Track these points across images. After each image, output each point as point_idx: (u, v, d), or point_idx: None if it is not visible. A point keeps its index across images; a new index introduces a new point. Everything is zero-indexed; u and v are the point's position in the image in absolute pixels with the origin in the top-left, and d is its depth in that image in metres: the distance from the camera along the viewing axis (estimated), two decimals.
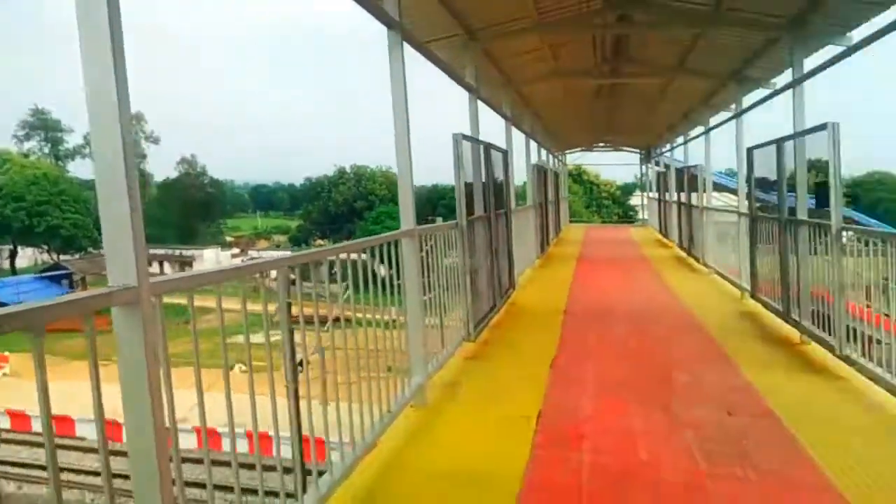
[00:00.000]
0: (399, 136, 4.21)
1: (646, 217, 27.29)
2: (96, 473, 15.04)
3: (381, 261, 4.08)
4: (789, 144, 6.18)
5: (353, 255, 3.87)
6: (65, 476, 15.06)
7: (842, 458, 3.39)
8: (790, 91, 6.73)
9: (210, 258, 46.27)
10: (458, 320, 5.54)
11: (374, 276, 4.04)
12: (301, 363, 6.28)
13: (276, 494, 2.71)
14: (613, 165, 49.35)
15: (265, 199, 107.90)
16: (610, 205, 51.58)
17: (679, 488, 3.08)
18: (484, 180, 6.72)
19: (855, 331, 5.24)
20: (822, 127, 5.25)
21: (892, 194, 47.96)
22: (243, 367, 3.70)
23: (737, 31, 7.72)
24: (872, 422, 3.95)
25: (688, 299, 8.50)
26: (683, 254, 14.02)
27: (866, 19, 5.86)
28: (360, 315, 3.74)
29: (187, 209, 62.32)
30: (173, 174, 66.12)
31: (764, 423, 3.92)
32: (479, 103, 7.59)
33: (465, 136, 5.82)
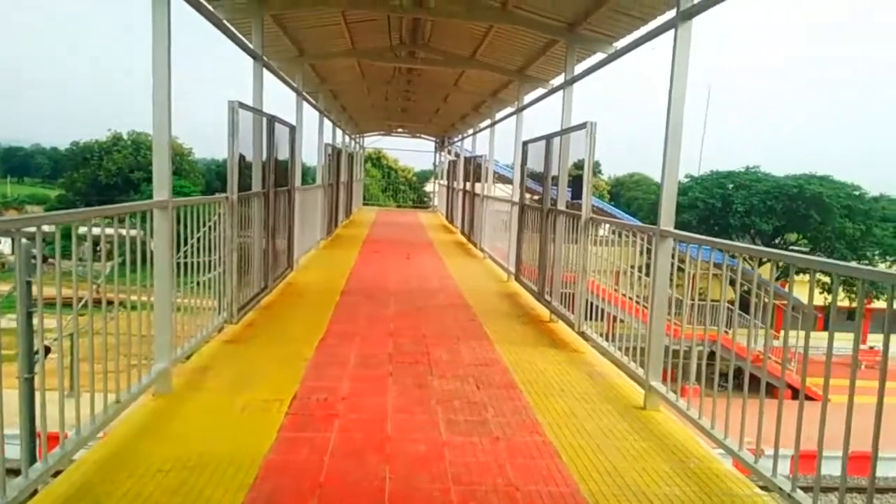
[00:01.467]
0: (158, 91, 3.74)
1: (436, 203, 28.37)
2: None
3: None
4: (556, 140, 6.73)
5: (133, 232, 3.45)
6: None
7: (564, 422, 3.79)
8: (562, 92, 7.34)
9: None
10: (222, 301, 5.23)
11: (151, 254, 3.68)
12: (42, 351, 5.44)
13: None
14: (412, 152, 50.68)
15: (20, 162, 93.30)
16: (406, 190, 52.80)
17: (418, 457, 3.20)
18: (265, 154, 6.41)
19: (596, 308, 5.88)
20: (583, 125, 5.77)
21: (646, 194, 54.96)
22: None
23: (522, 30, 8.21)
24: (594, 390, 4.47)
25: (460, 281, 8.96)
26: (464, 239, 14.79)
27: (629, 32, 6.53)
28: (122, 296, 3.34)
29: None
30: None
31: (506, 394, 4.24)
32: (266, 73, 7.21)
33: (242, 105, 5.48)
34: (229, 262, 5.20)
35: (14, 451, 6.29)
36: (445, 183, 22.44)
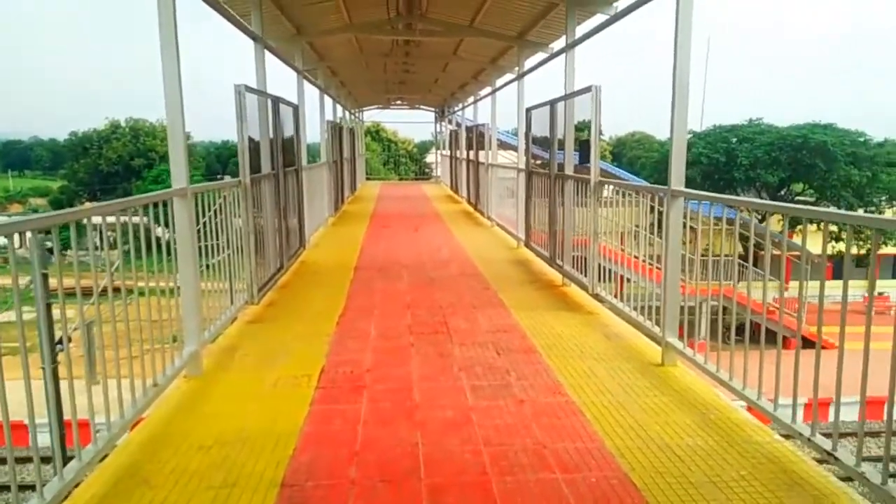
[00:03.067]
0: (169, 82, 3.76)
1: (439, 174, 28.32)
2: None
3: (165, 224, 3.74)
4: (560, 105, 6.73)
5: (136, 219, 3.47)
6: None
7: (585, 382, 3.90)
8: (563, 57, 7.29)
9: None
10: (242, 283, 5.33)
11: (157, 240, 3.69)
12: (61, 341, 5.56)
13: (29, 488, 2.43)
14: (411, 123, 50.49)
15: (20, 156, 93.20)
16: (407, 162, 52.61)
17: (447, 422, 3.32)
18: (272, 136, 6.45)
19: (609, 271, 5.98)
20: (588, 89, 5.76)
21: (648, 152, 54.58)
22: None
23: None
24: (612, 349, 4.57)
25: (471, 250, 9.05)
26: (471, 208, 14.83)
27: None
28: (139, 283, 3.41)
29: None
30: None
31: (526, 358, 4.34)
32: (268, 54, 7.20)
33: (248, 88, 5.50)
34: (246, 244, 5.28)
35: (44, 440, 6.52)
36: (448, 153, 22.38)
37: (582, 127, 6.55)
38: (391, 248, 9.33)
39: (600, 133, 6.21)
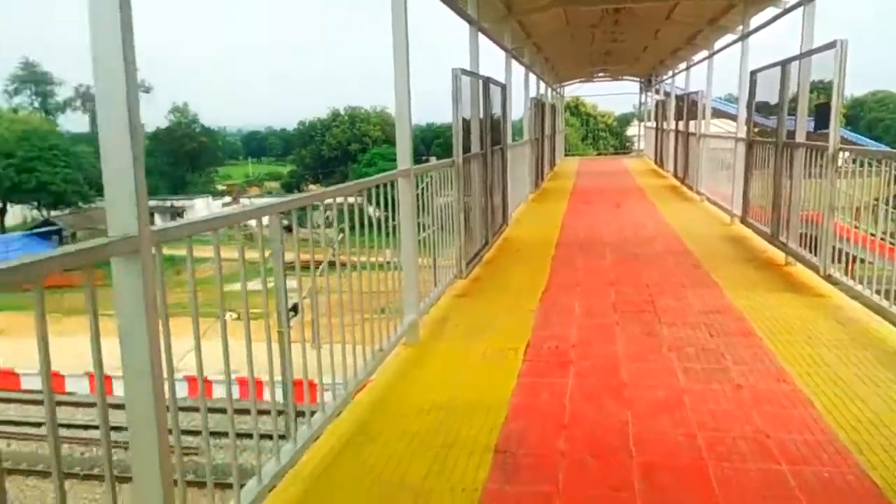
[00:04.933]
0: (399, 73, 4.16)
1: (642, 147, 27.08)
2: (86, 427, 15.11)
3: (376, 203, 4.11)
4: (794, 65, 6.09)
5: (350, 199, 3.88)
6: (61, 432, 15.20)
7: (813, 370, 3.56)
8: (800, 10, 6.54)
9: (201, 208, 45.33)
10: (451, 258, 5.64)
11: (368, 218, 4.08)
12: (295, 308, 6.37)
13: (270, 437, 2.85)
14: (611, 95, 48.59)
15: (258, 145, 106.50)
16: (606, 136, 51.06)
17: (657, 403, 3.25)
18: (482, 116, 6.64)
19: (840, 251, 5.34)
20: (831, 45, 5.13)
21: (893, 114, 47.23)
22: (234, 315, 3.78)
23: None
24: (846, 336, 4.10)
25: (678, 227, 8.60)
26: (677, 183, 14.04)
27: None
28: (354, 259, 3.80)
29: (179, 159, 61.55)
30: (164, 123, 64.83)
31: (743, 342, 4.07)
32: (480, 36, 7.41)
33: (464, 71, 5.73)
34: (457, 221, 5.57)
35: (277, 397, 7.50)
36: (653, 125, 21.30)
37: (813, 88, 5.87)
38: (592, 225, 9.19)
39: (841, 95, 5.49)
